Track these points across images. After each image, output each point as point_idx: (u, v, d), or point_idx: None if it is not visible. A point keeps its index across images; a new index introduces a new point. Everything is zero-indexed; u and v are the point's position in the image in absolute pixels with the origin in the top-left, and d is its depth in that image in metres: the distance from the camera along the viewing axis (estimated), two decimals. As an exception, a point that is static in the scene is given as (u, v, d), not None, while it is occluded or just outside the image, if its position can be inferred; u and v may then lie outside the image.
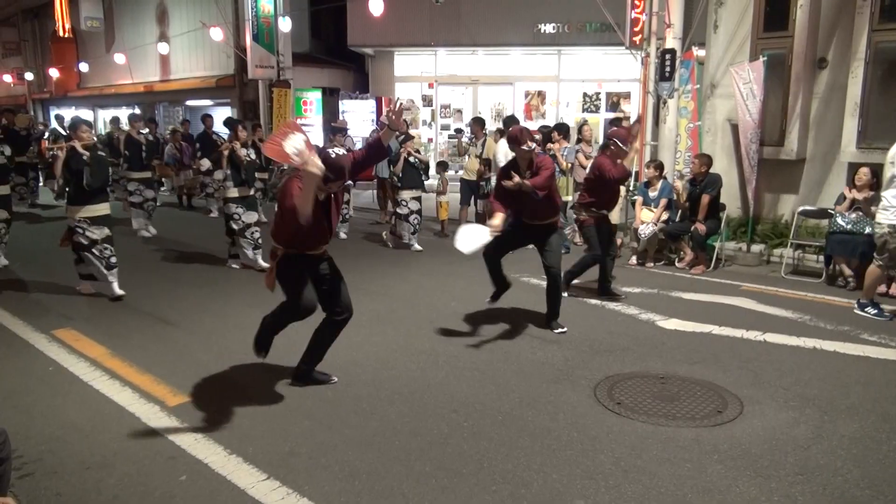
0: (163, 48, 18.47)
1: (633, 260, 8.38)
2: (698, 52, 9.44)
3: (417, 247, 9.08)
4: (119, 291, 6.47)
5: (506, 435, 3.76)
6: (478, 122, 9.98)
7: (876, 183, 7.13)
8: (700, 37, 9.57)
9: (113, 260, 6.46)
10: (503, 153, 9.62)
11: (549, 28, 14.52)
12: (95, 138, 6.51)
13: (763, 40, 8.68)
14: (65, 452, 3.57)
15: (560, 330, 5.55)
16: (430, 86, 16.45)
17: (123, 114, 22.08)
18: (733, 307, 6.38)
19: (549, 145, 9.01)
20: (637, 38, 9.91)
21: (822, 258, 7.59)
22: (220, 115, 19.05)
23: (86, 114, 21.01)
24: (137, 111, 21.18)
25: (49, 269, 7.75)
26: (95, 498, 3.15)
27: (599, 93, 15.38)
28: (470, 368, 4.78)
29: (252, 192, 7.94)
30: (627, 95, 15.00)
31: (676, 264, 8.25)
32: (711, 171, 8.07)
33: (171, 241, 9.65)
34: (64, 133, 13.66)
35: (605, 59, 14.67)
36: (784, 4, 8.44)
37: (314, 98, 16.48)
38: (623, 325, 5.81)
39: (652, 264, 8.28)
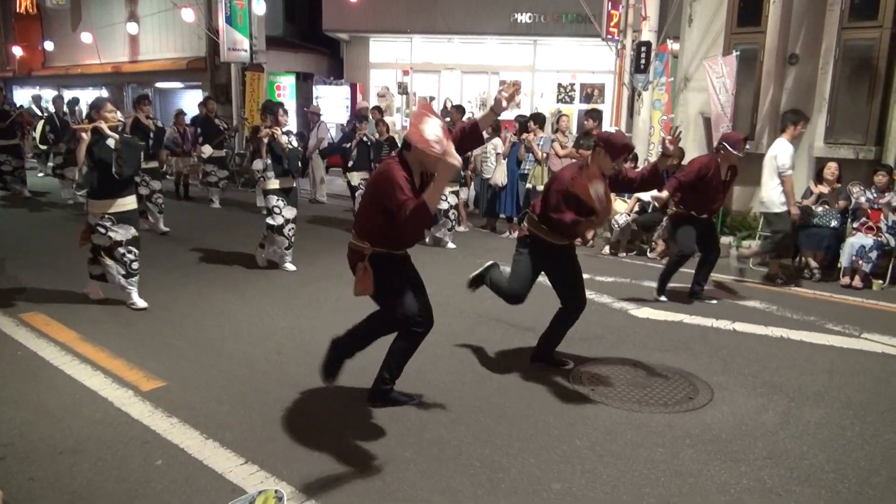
0: (132, 28, 18.06)
1: (606, 250, 8.49)
2: (673, 46, 9.56)
3: (451, 245, 8.64)
4: (142, 303, 5.64)
5: (483, 421, 3.79)
6: (459, 110, 9.96)
7: (840, 177, 7.33)
8: (675, 30, 9.69)
9: (135, 266, 5.64)
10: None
11: (524, 18, 14.56)
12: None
13: (736, 35, 8.81)
14: (37, 437, 3.51)
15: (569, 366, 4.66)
16: (406, 73, 16.37)
17: (89, 95, 21.56)
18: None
19: (525, 135, 9.05)
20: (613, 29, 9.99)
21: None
22: (191, 98, 18.79)
23: (50, 94, 20.47)
24: (105, 93, 20.77)
25: (18, 252, 7.57)
26: (69, 482, 3.11)
27: (574, 83, 15.47)
28: (447, 356, 4.81)
29: (294, 185, 7.23)
30: (602, 87, 15.11)
31: (648, 254, 8.38)
32: (684, 163, 8.19)
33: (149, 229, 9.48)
34: (40, 114, 13.04)
35: (581, 50, 14.76)
36: (757, 0, 8.57)
37: (288, 83, 16.31)
38: (597, 314, 5.88)
39: (624, 254, 8.40)
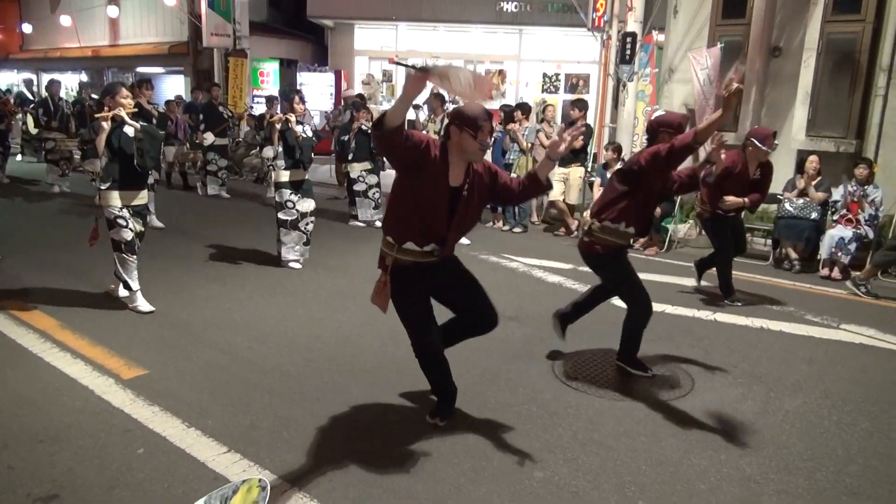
0: (112, 11, 17.80)
1: (590, 240, 8.52)
2: (658, 37, 9.58)
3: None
4: (148, 307, 5.32)
5: (467, 410, 3.80)
6: (437, 98, 9.93)
7: (821, 169, 7.41)
8: (660, 21, 9.70)
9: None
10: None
11: (510, 6, 14.51)
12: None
13: (721, 27, 8.86)
14: (15, 425, 3.47)
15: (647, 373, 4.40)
16: (391, 61, 16.27)
17: (69, 79, 21.21)
18: (685, 287, 6.55)
19: (510, 125, 9.05)
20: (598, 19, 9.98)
21: (769, 241, 7.85)
22: (172, 83, 18.56)
23: (32, 78, 20.10)
24: (85, 77, 20.47)
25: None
26: (49, 471, 3.08)
27: (559, 73, 15.47)
28: (430, 344, 4.80)
29: (307, 176, 6.81)
30: (587, 77, 15.12)
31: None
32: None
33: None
34: (32, 98, 12.67)
35: (566, 39, 14.74)
36: (742, -8, 8.62)
37: (271, 69, 16.17)
38: (580, 304, 5.91)
39: (608, 245, 8.43)
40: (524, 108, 9.32)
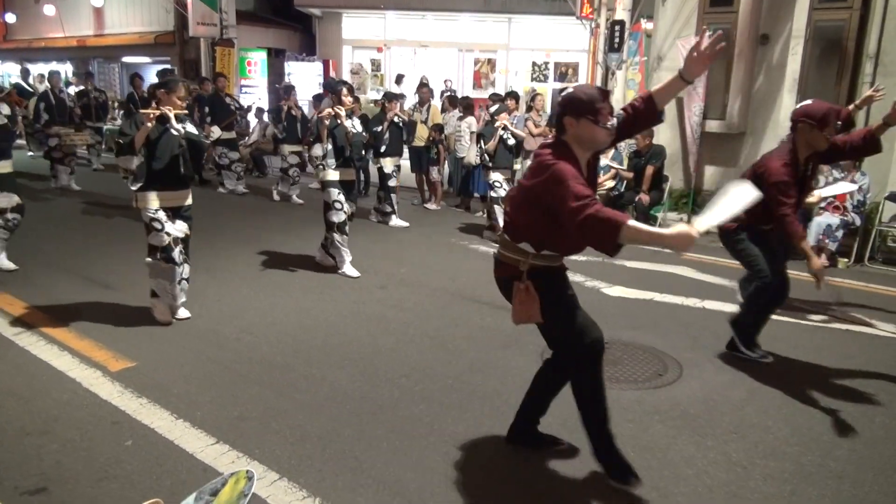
0: (97, 0, 17.55)
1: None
2: (646, 25, 9.57)
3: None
4: (186, 313, 4.97)
5: (456, 399, 3.82)
6: (425, 88, 9.90)
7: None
8: (648, 9, 9.68)
9: (188, 271, 4.98)
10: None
11: (499, -5, 14.43)
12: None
13: (709, 15, 8.84)
14: (2, 418, 3.46)
15: None
16: (379, 50, 16.18)
17: (55, 69, 20.94)
18: (674, 275, 6.59)
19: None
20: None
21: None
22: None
23: (13, 68, 19.87)
24: (70, 66, 20.22)
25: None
26: (37, 464, 3.07)
27: (548, 62, 15.42)
28: (420, 334, 4.82)
29: (355, 177, 6.44)
30: (576, 66, 15.09)
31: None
32: (656, 143, 8.25)
33: (116, 204, 9.30)
34: (29, 89, 12.36)
35: (555, 28, 14.69)
36: (730, -20, 8.60)
37: (259, 59, 16.02)
38: (569, 292, 5.93)
39: (597, 233, 8.45)
40: (515, 97, 9.29)
